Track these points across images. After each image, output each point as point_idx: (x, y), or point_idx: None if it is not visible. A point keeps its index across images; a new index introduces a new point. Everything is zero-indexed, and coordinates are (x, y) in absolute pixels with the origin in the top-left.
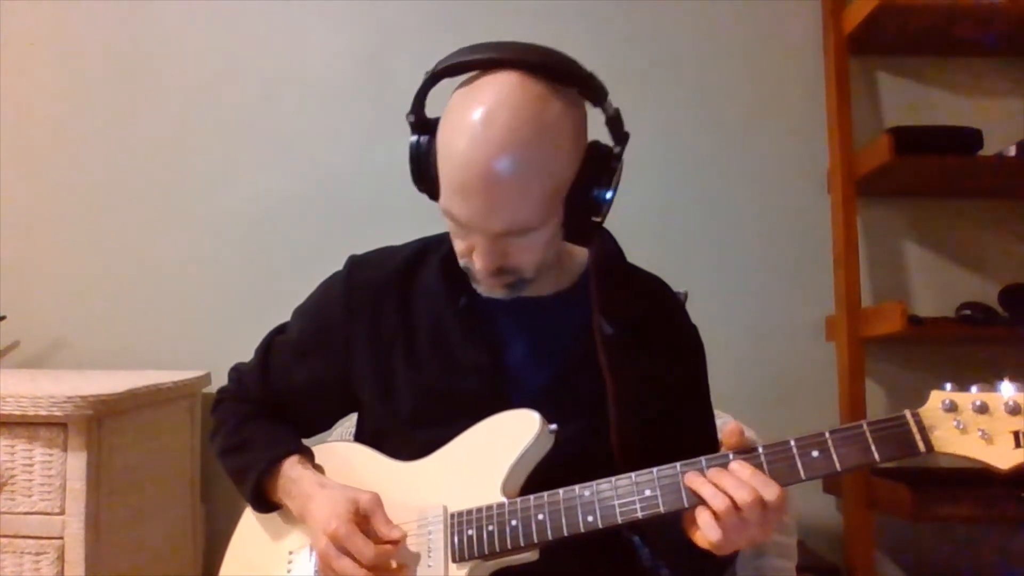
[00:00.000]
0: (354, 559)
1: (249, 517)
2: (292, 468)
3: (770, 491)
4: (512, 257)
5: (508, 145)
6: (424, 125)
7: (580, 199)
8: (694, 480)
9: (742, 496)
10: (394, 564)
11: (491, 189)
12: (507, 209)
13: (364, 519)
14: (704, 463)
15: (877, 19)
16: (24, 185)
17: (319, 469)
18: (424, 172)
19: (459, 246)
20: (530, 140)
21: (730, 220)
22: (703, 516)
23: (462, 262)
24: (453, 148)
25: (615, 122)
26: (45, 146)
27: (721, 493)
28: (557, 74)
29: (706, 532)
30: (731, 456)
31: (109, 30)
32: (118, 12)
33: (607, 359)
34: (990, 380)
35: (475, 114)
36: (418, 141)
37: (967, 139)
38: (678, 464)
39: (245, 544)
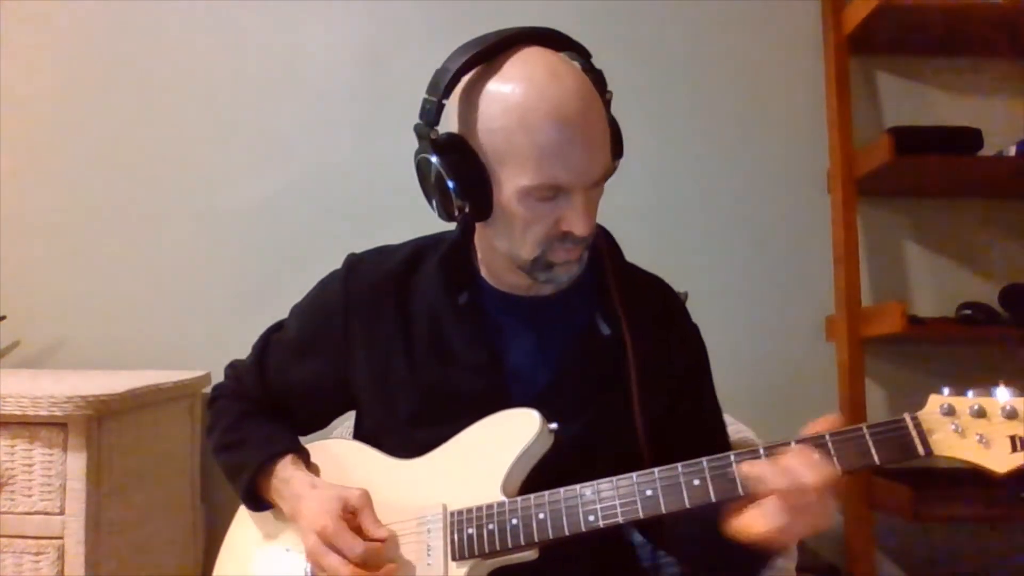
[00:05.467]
0: (343, 555)
1: (243, 516)
2: (284, 468)
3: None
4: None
5: (582, 91)
6: (453, 138)
7: (614, 140)
8: (757, 467)
9: (812, 478)
10: (391, 563)
11: (588, 130)
12: (601, 151)
13: (353, 516)
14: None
15: (877, 19)
16: (24, 185)
17: (314, 469)
18: (476, 181)
19: (540, 231)
20: (589, 87)
21: (730, 220)
22: (768, 503)
23: (538, 251)
24: (534, 117)
25: (601, 77)
26: (45, 146)
27: (789, 476)
28: (557, 43)
29: (770, 515)
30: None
31: (109, 30)
32: (118, 12)
33: (624, 359)
34: (988, 383)
35: (539, 79)
36: (459, 155)
37: (967, 139)
38: (679, 465)
39: (239, 543)
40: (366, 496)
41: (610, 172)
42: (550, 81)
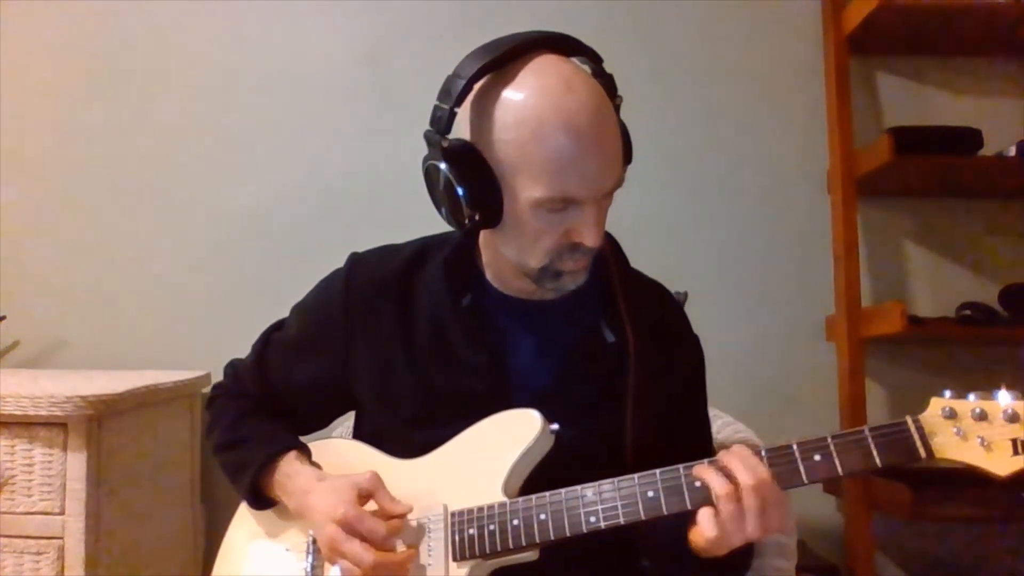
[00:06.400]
0: (364, 539)
1: (243, 515)
2: (289, 464)
3: (759, 472)
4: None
5: (596, 102)
6: (465, 146)
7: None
8: (703, 470)
9: (744, 479)
10: (402, 546)
11: (602, 141)
12: (615, 161)
13: (367, 499)
14: (707, 464)
15: (877, 19)
16: (24, 185)
17: (316, 466)
18: (487, 190)
19: (549, 241)
20: (602, 97)
21: (730, 220)
22: (704, 512)
23: (546, 260)
24: (548, 129)
25: (612, 80)
26: (45, 146)
27: (724, 478)
28: (569, 48)
29: (703, 528)
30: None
31: (108, 30)
32: (118, 12)
33: (624, 364)
34: (988, 384)
35: (554, 90)
36: (470, 164)
37: (967, 139)
38: (680, 466)
39: (238, 543)
40: (377, 477)
41: (621, 181)
42: (564, 93)
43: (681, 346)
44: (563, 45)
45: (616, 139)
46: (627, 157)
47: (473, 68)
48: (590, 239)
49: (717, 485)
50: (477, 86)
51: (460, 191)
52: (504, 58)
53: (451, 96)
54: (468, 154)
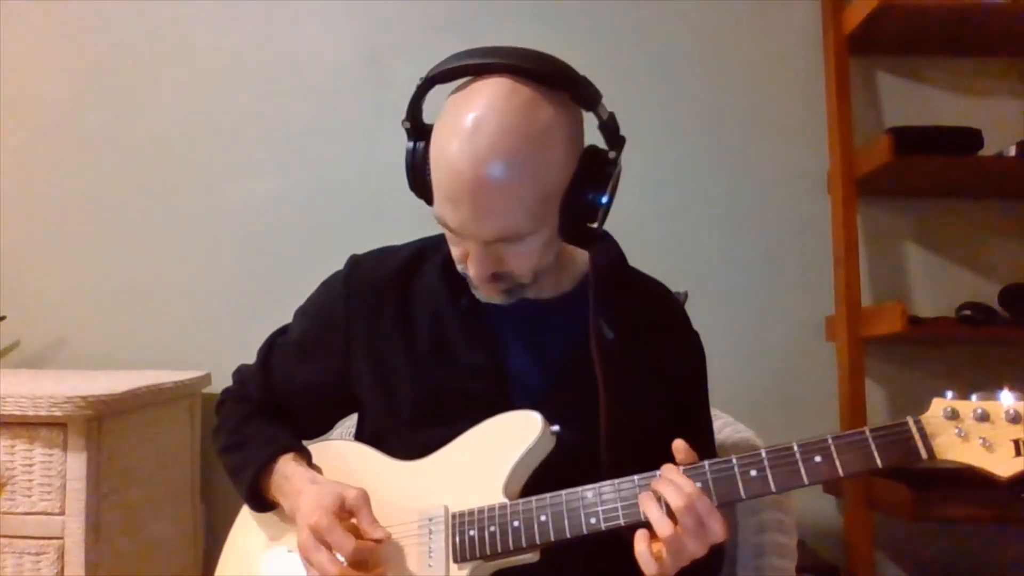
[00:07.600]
0: (332, 550)
1: (245, 517)
2: (286, 465)
3: (687, 489)
4: (507, 263)
5: (497, 151)
6: (420, 131)
7: (575, 204)
8: (646, 502)
9: (675, 502)
10: (383, 566)
11: (480, 196)
12: (498, 215)
13: (350, 515)
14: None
15: (877, 19)
16: (24, 185)
17: (315, 468)
18: (419, 178)
19: (455, 252)
20: (519, 146)
21: (730, 220)
22: (640, 542)
23: (460, 268)
24: (443, 155)
25: (609, 127)
26: (45, 146)
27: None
28: (548, 79)
29: (644, 559)
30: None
31: (109, 30)
32: (118, 12)
33: (603, 365)
34: (990, 384)
35: (465, 121)
36: (414, 147)
37: (967, 139)
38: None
39: (241, 543)
40: (364, 496)
41: (523, 234)
42: (469, 133)
43: (681, 344)
44: (527, 73)
45: (508, 196)
46: (576, 207)
47: (437, 70)
48: (471, 269)
49: (654, 516)
50: (458, 83)
51: (409, 172)
52: (467, 70)
53: (408, 110)
54: (419, 141)
